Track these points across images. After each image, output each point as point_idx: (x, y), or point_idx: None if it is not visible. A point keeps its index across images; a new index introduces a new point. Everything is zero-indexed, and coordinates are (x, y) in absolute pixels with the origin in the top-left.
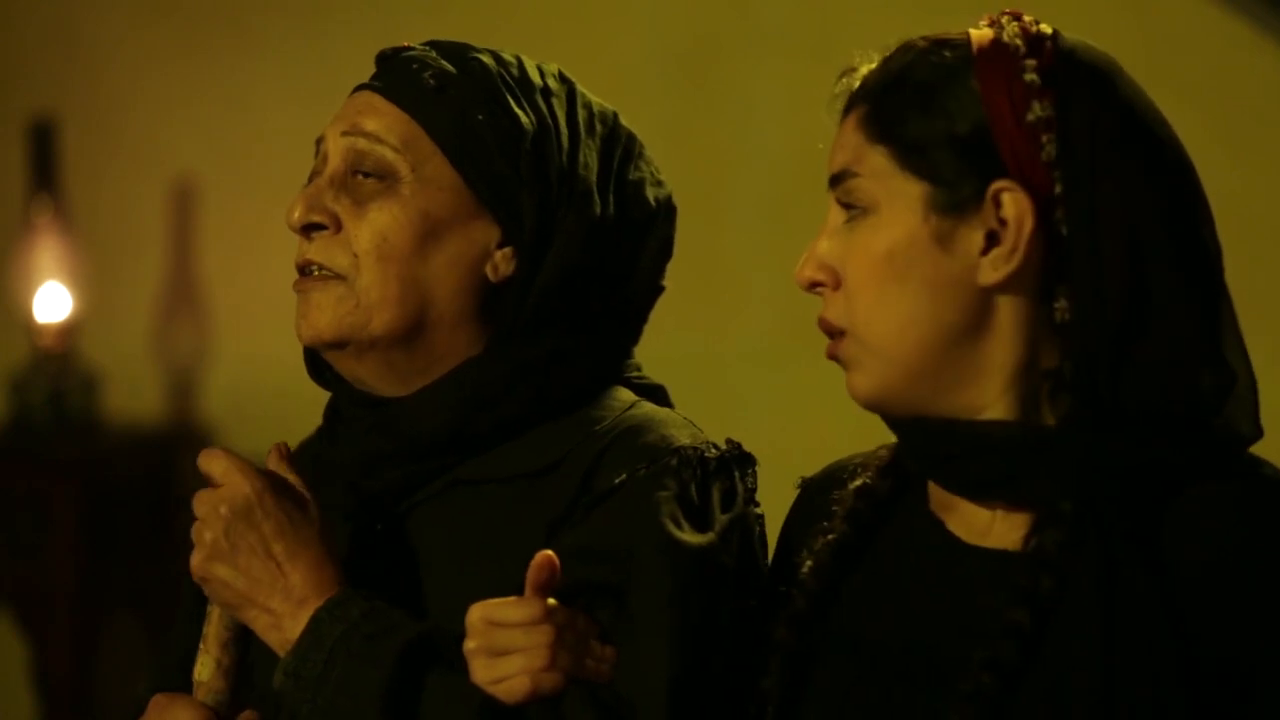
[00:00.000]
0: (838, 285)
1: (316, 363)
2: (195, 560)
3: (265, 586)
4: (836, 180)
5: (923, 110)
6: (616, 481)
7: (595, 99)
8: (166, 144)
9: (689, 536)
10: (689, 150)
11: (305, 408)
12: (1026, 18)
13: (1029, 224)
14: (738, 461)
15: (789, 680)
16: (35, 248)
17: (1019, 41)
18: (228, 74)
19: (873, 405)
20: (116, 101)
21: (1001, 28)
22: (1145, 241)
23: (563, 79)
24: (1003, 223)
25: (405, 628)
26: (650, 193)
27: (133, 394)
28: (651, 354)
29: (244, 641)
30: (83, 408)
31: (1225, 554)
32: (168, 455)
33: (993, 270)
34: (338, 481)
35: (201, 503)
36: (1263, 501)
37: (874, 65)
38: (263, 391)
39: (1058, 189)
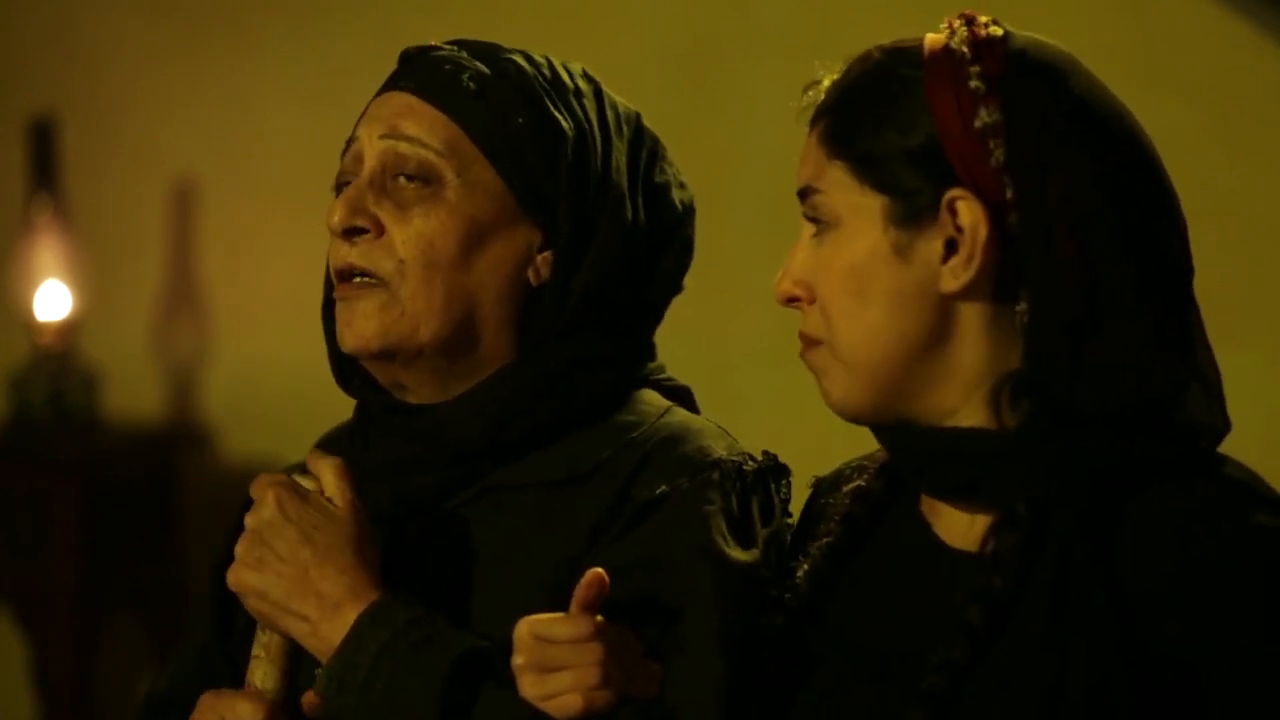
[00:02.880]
0: (813, 299)
1: (343, 370)
2: (230, 573)
3: (297, 594)
4: (802, 196)
5: (876, 124)
6: (658, 493)
7: (620, 99)
8: (166, 144)
9: (736, 553)
10: (689, 150)
11: (305, 408)
12: (982, 19)
13: (983, 231)
14: (773, 473)
15: (778, 682)
16: (35, 247)
17: (965, 48)
18: (228, 74)
19: (845, 413)
20: (116, 101)
21: (953, 32)
22: (1098, 241)
23: (588, 78)
24: (960, 231)
25: (452, 638)
26: (676, 196)
27: (133, 394)
28: None
29: (295, 653)
30: (83, 407)
31: (1179, 554)
32: (168, 455)
33: (953, 278)
34: (370, 485)
35: (245, 519)
36: (1219, 502)
37: (836, 77)
38: (263, 391)
39: (1009, 194)
